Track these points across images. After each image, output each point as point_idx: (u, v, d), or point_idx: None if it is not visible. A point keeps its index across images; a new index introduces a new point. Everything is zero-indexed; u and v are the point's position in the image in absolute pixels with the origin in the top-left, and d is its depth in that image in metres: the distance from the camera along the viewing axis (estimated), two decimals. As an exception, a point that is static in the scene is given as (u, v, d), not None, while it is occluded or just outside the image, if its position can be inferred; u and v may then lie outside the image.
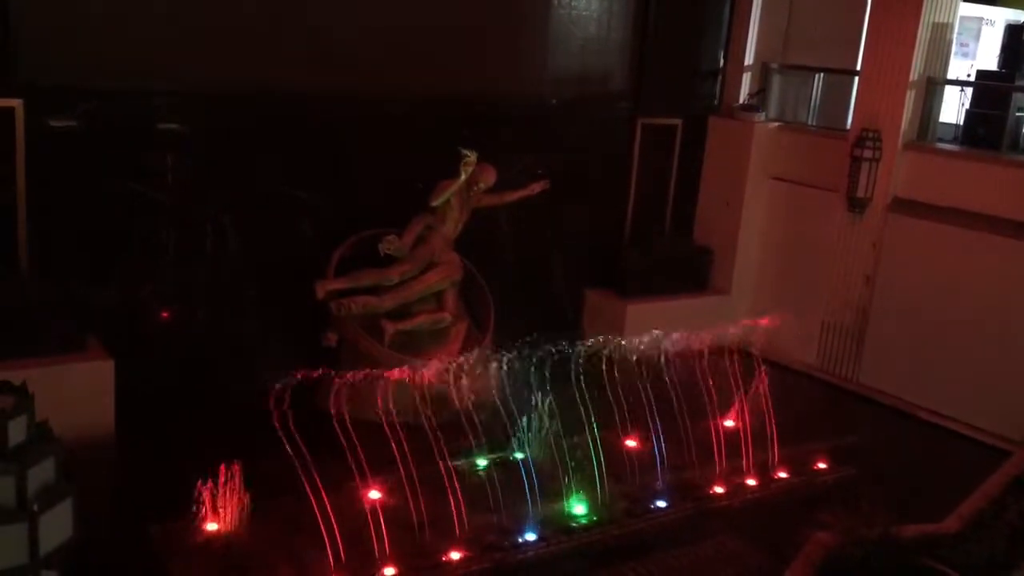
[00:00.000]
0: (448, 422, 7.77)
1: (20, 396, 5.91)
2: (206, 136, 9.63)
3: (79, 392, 7.91)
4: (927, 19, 11.18)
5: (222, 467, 7.15)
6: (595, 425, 8.18)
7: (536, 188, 10.72)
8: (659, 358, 8.79)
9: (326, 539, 6.97)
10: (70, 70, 8.86)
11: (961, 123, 12.08)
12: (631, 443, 9.04)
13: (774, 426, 9.10)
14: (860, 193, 11.56)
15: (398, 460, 7.39)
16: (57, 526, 5.72)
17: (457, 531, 7.45)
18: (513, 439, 8.54)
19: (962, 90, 12.34)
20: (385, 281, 9.89)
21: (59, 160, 8.86)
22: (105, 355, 8.34)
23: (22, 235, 8.76)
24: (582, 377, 8.33)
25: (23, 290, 8.28)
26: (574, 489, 8.12)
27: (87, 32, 8.91)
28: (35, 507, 5.55)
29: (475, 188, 10.22)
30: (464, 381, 7.82)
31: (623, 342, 8.79)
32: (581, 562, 7.61)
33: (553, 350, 8.18)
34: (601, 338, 8.72)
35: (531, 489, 7.86)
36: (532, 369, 8.10)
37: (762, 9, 13.03)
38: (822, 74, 13.14)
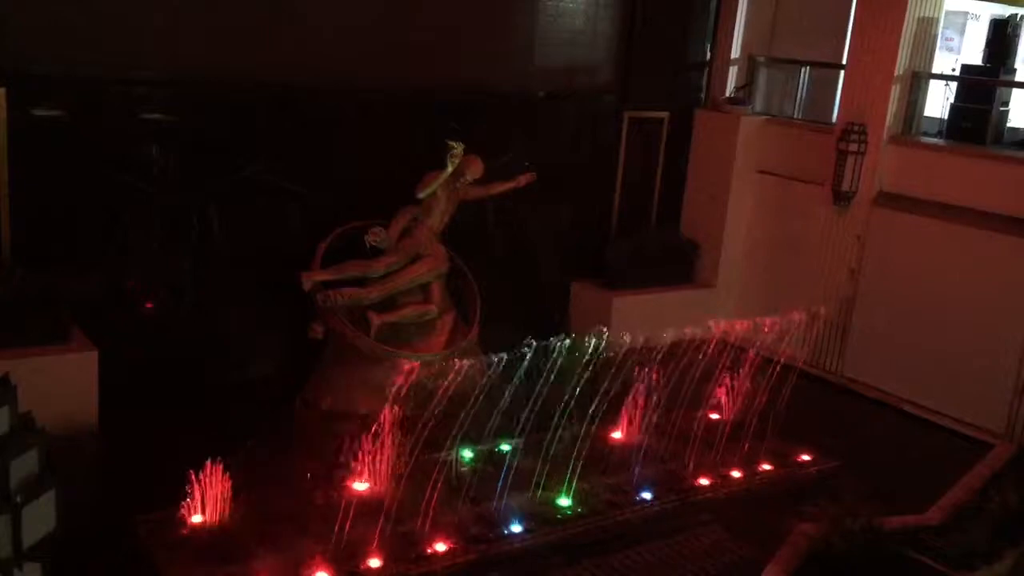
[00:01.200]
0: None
1: (2, 387, 5.87)
2: (194, 127, 9.55)
3: (63, 383, 7.86)
4: (912, 13, 11.22)
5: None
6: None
7: (523, 180, 10.71)
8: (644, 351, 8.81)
9: (311, 530, 6.96)
10: (56, 58, 8.78)
11: (946, 117, 12.12)
12: (616, 435, 9.09)
13: (760, 419, 9.14)
14: (845, 187, 11.60)
15: (386, 452, 7.38)
16: (40, 518, 5.69)
17: (444, 522, 7.45)
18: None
19: (947, 84, 12.38)
20: (371, 273, 9.85)
21: (43, 149, 8.78)
22: (89, 346, 8.30)
23: (5, 225, 8.69)
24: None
25: (5, 280, 8.21)
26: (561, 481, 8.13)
27: (74, 19, 8.83)
28: (18, 499, 5.52)
29: (461, 180, 10.19)
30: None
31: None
32: (567, 553, 7.62)
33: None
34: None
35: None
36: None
37: (749, 2, 13.04)
38: (808, 67, 13.18)
